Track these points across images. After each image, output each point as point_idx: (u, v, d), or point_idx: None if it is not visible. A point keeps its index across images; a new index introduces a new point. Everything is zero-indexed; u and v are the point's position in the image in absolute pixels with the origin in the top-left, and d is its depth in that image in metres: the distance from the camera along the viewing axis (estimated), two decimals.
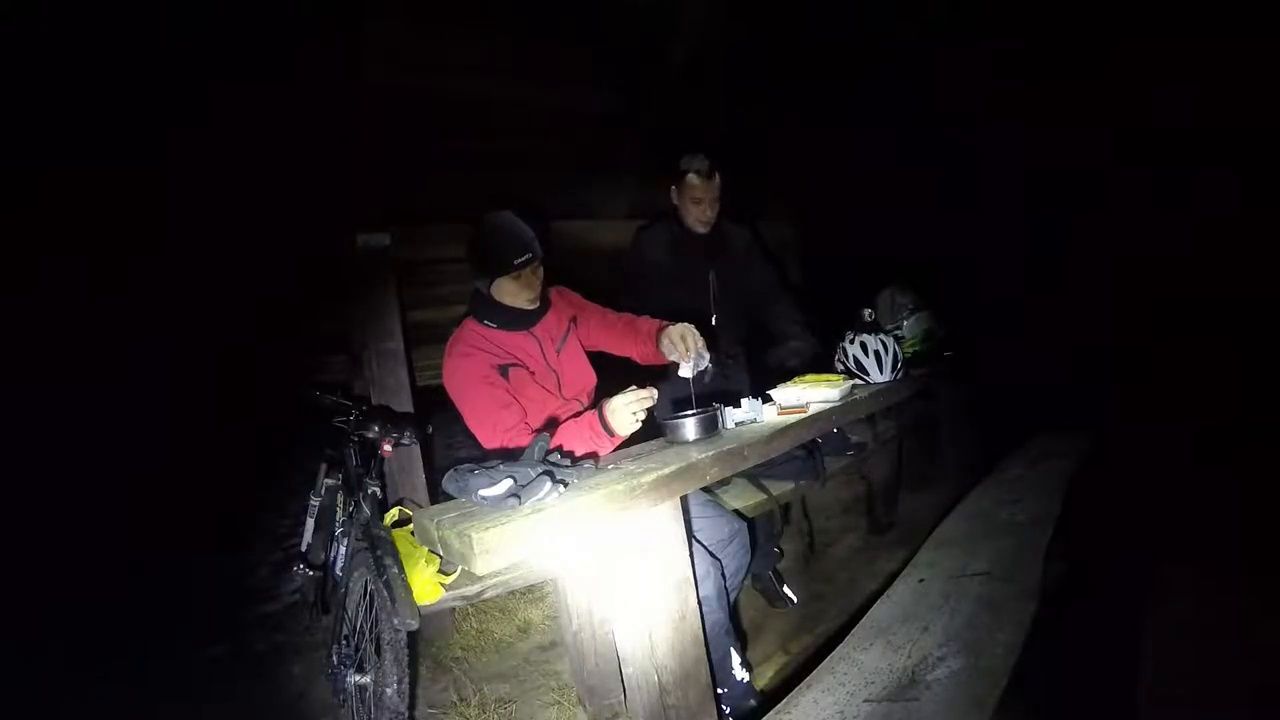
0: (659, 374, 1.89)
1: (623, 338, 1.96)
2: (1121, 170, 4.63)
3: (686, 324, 1.78)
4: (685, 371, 1.72)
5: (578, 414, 1.70)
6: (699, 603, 1.51)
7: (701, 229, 2.53)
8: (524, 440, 1.59)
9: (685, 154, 2.50)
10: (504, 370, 1.76)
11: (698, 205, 2.48)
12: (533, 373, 1.81)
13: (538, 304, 1.87)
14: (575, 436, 1.57)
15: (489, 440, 1.69)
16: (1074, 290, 4.92)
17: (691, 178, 2.45)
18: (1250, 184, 4.34)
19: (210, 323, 2.62)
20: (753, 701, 1.74)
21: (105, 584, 3.47)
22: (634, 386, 1.56)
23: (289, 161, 2.30)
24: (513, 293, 1.81)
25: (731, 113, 3.24)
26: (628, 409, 1.53)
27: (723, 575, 1.77)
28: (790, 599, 2.50)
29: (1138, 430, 3.44)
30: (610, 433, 1.55)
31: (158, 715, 2.33)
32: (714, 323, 2.64)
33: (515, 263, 1.74)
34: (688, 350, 1.72)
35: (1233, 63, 3.78)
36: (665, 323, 1.84)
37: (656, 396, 1.57)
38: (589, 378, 1.97)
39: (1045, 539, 2.04)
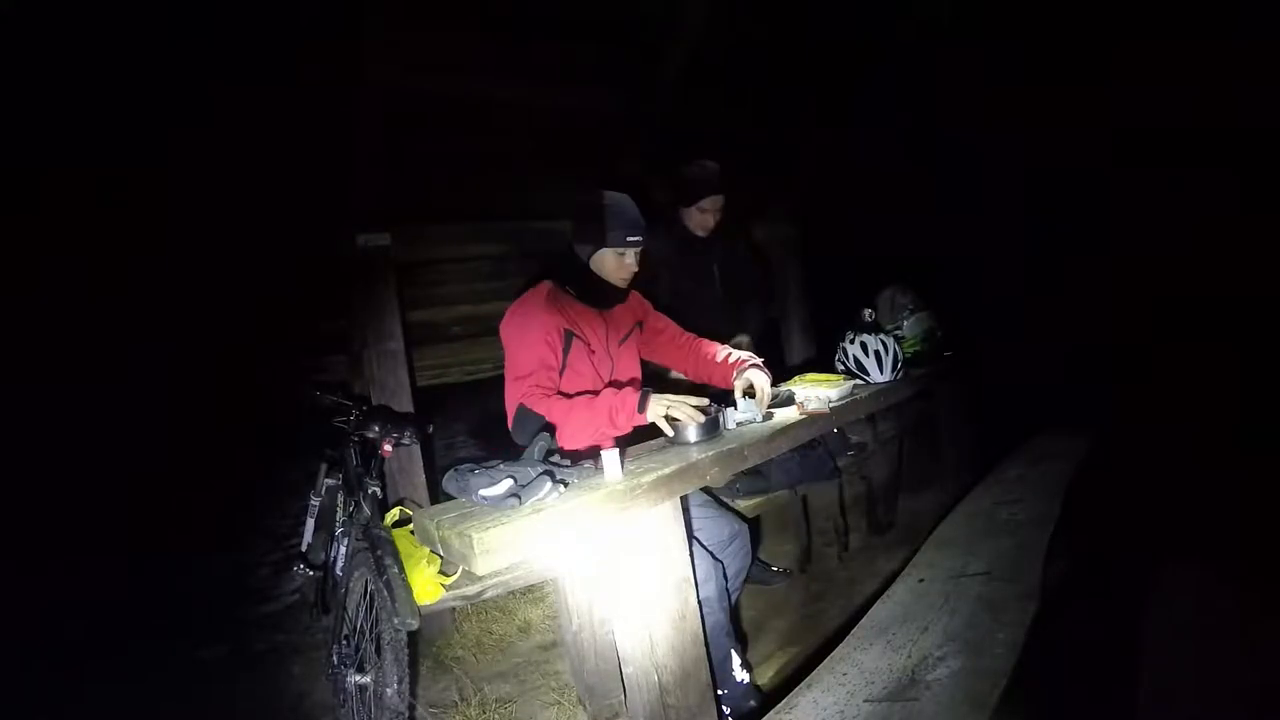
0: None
1: (683, 356, 2.00)
2: (1121, 170, 4.64)
3: (766, 376, 1.81)
4: (739, 417, 1.76)
5: None
6: (700, 603, 1.51)
7: (703, 234, 2.56)
8: (541, 401, 1.63)
9: (694, 160, 2.49)
10: (569, 336, 1.74)
11: (704, 215, 2.50)
12: (593, 351, 1.80)
13: (626, 286, 1.88)
14: (603, 400, 1.60)
15: (512, 389, 1.71)
16: (1074, 290, 4.92)
17: (706, 191, 2.46)
18: (1250, 184, 4.34)
19: (210, 323, 2.62)
20: (753, 702, 1.74)
21: (105, 584, 3.47)
22: (696, 398, 1.61)
23: (289, 162, 2.30)
24: (613, 268, 1.80)
25: (731, 112, 3.24)
26: (662, 402, 1.56)
27: (724, 576, 1.77)
28: (783, 572, 2.53)
29: (1138, 430, 3.44)
30: (640, 408, 1.57)
31: (158, 715, 2.33)
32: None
33: (628, 239, 1.76)
34: (760, 401, 1.77)
35: (1233, 63, 3.78)
36: (745, 360, 1.87)
37: (699, 420, 1.59)
38: (637, 374, 1.98)
39: (1045, 539, 2.04)
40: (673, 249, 2.56)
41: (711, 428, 1.63)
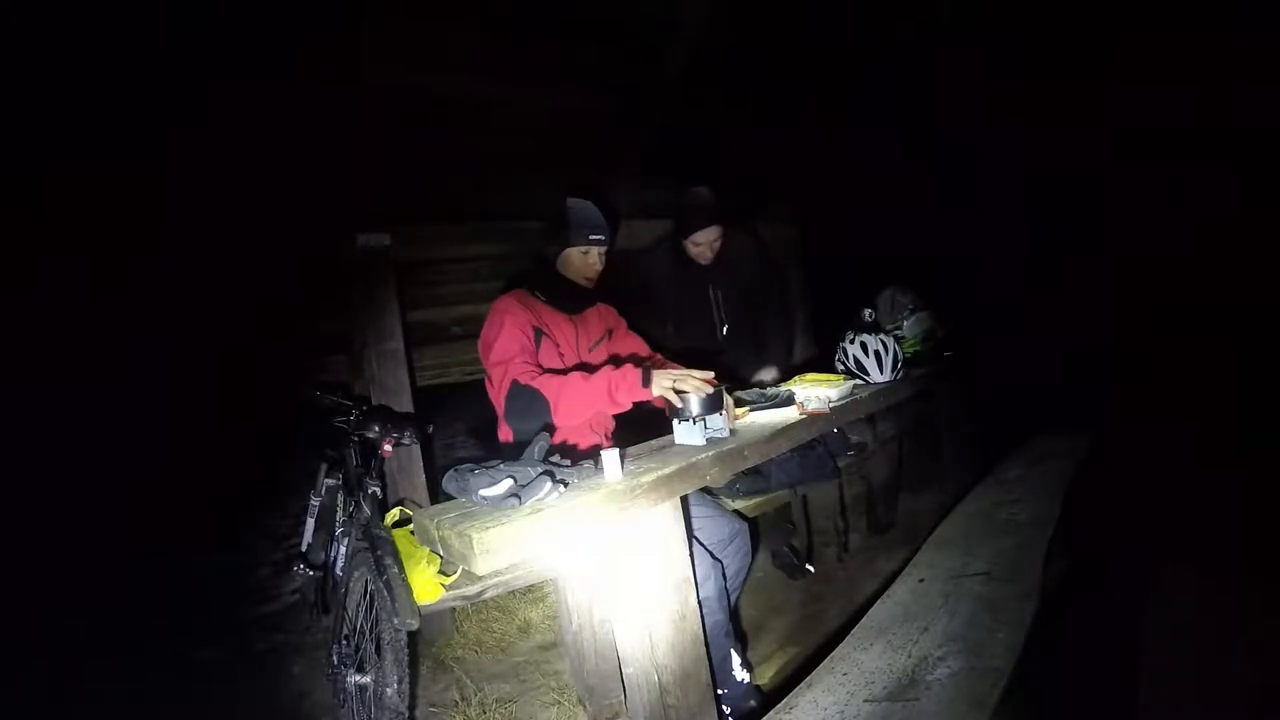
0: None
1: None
2: (1121, 170, 4.64)
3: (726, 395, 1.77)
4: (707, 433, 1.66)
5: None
6: (699, 603, 1.51)
7: (703, 263, 2.59)
8: (534, 377, 1.66)
9: (689, 187, 2.52)
10: (539, 333, 1.83)
11: (699, 248, 2.55)
12: (563, 354, 1.86)
13: (592, 287, 1.97)
14: (601, 376, 1.61)
15: (497, 374, 1.75)
16: (1074, 290, 4.92)
17: (696, 224, 2.50)
18: (1250, 184, 4.35)
19: (210, 323, 2.62)
20: (753, 702, 1.74)
21: (105, 584, 3.47)
22: (700, 371, 1.60)
23: (289, 161, 2.30)
24: (577, 267, 1.92)
25: (731, 112, 3.24)
26: (668, 375, 1.56)
27: (723, 576, 1.77)
28: (809, 569, 2.60)
29: (1138, 430, 3.44)
30: (645, 383, 1.57)
31: (158, 715, 2.33)
32: (724, 333, 2.65)
33: (590, 237, 1.89)
34: (727, 413, 1.72)
35: (1233, 63, 3.78)
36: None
37: (708, 391, 1.57)
38: None
39: (1045, 539, 2.04)
40: (668, 269, 2.58)
41: (717, 400, 1.59)
